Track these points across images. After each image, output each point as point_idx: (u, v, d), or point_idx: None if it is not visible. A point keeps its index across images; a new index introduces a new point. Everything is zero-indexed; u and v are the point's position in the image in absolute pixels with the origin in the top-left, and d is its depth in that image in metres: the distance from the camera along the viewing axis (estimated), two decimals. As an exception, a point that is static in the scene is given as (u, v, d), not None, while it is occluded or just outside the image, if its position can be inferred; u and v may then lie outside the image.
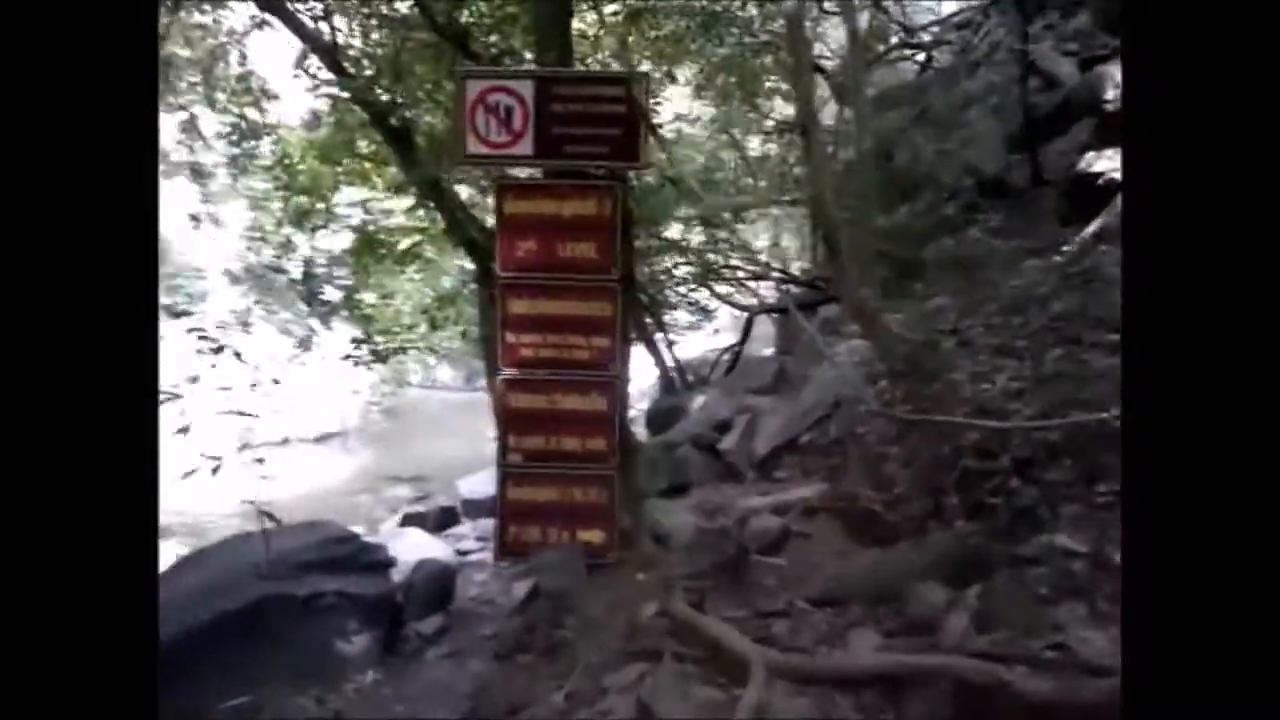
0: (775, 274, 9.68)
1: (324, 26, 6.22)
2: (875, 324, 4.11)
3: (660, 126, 6.11)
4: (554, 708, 2.74)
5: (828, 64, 9.97)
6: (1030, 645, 2.19)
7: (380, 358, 6.84)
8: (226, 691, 3.60)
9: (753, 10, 8.06)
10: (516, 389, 4.47)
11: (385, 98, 5.73)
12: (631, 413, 5.89)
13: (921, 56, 10.78)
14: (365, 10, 6.57)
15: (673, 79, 9.46)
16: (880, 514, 3.58)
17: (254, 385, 3.78)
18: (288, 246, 17.01)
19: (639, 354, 8.88)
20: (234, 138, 8.34)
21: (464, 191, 7.11)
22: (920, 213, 6.89)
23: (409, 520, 8.17)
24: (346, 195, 9.02)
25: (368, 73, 6.08)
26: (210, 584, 4.01)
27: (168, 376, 3.93)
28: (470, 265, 6.53)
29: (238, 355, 3.62)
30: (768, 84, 9.73)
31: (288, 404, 13.72)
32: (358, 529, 8.10)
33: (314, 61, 6.45)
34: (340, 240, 10.03)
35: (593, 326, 4.39)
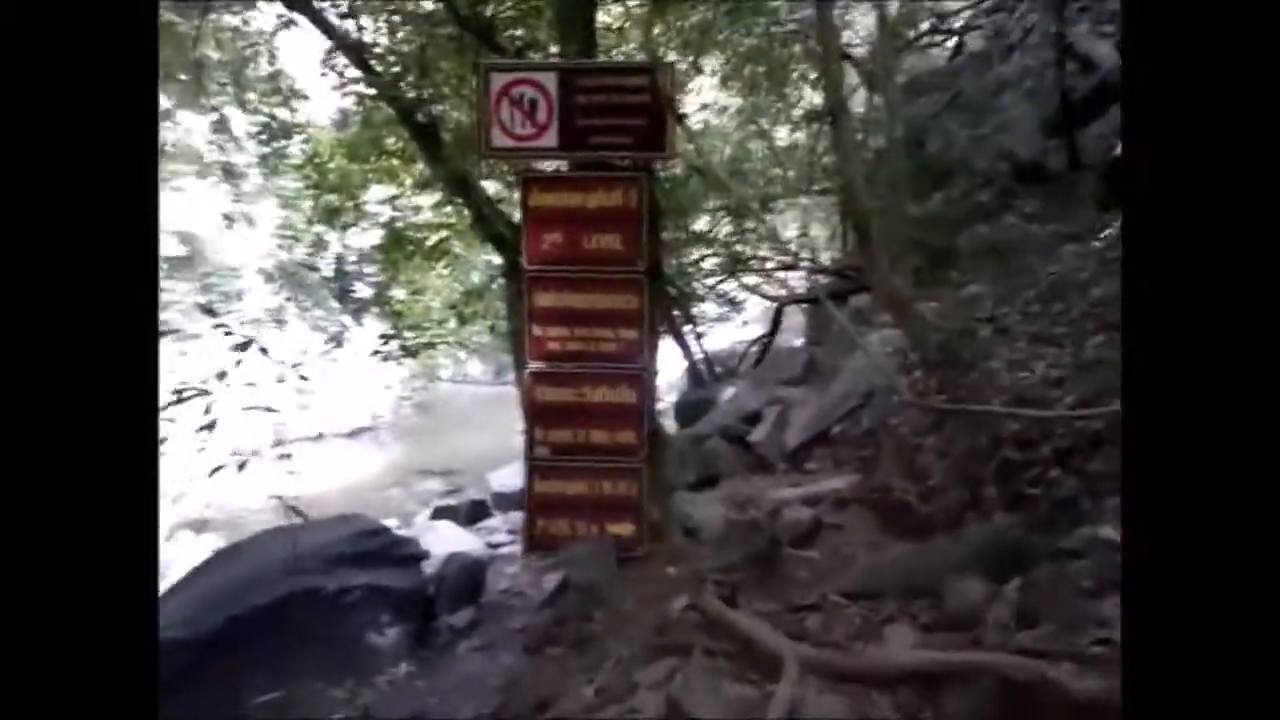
0: (804, 264, 9.56)
1: (350, 25, 6.25)
2: (908, 313, 4.03)
3: (686, 117, 6.04)
4: (583, 702, 2.71)
5: (856, 51, 9.81)
6: (1074, 641, 2.11)
7: (410, 353, 6.87)
8: (259, 685, 3.64)
9: (780, -2, 7.95)
10: (544, 382, 4.44)
11: (411, 94, 5.73)
12: (660, 405, 5.85)
13: (953, 41, 10.56)
14: (390, 7, 6.58)
15: (699, 70, 9.37)
16: (914, 505, 3.51)
17: (280, 380, 3.79)
18: (319, 244, 17.24)
19: (667, 346, 8.85)
20: (264, 137, 8.42)
21: (491, 186, 7.11)
22: (954, 200, 6.76)
23: (440, 513, 8.24)
24: (376, 193, 9.08)
25: (394, 70, 6.08)
26: (243, 578, 4.04)
27: (203, 374, 3.99)
28: (498, 260, 6.53)
29: (264, 351, 3.64)
30: (795, 73, 9.60)
31: (321, 399, 13.91)
32: (390, 522, 8.19)
33: (342, 60, 6.48)
34: (370, 237, 10.11)
35: (620, 319, 4.35)
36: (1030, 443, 3.09)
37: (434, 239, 8.77)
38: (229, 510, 10.23)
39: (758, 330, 11.40)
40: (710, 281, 10.82)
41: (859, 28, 10.23)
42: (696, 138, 6.53)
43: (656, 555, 4.13)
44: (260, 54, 8.36)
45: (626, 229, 4.30)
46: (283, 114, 8.67)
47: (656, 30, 8.06)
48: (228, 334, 3.63)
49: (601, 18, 7.17)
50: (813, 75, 9.32)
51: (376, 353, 6.06)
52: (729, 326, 12.40)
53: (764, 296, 11.40)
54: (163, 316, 15.10)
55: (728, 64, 9.53)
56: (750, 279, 11.06)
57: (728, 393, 7.69)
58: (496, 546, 6.04)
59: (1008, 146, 6.75)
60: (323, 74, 6.60)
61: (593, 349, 4.37)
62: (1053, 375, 3.54)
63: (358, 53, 6.01)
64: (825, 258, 11.55)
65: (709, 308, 11.45)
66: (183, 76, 8.58)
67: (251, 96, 8.56)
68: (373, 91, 6.24)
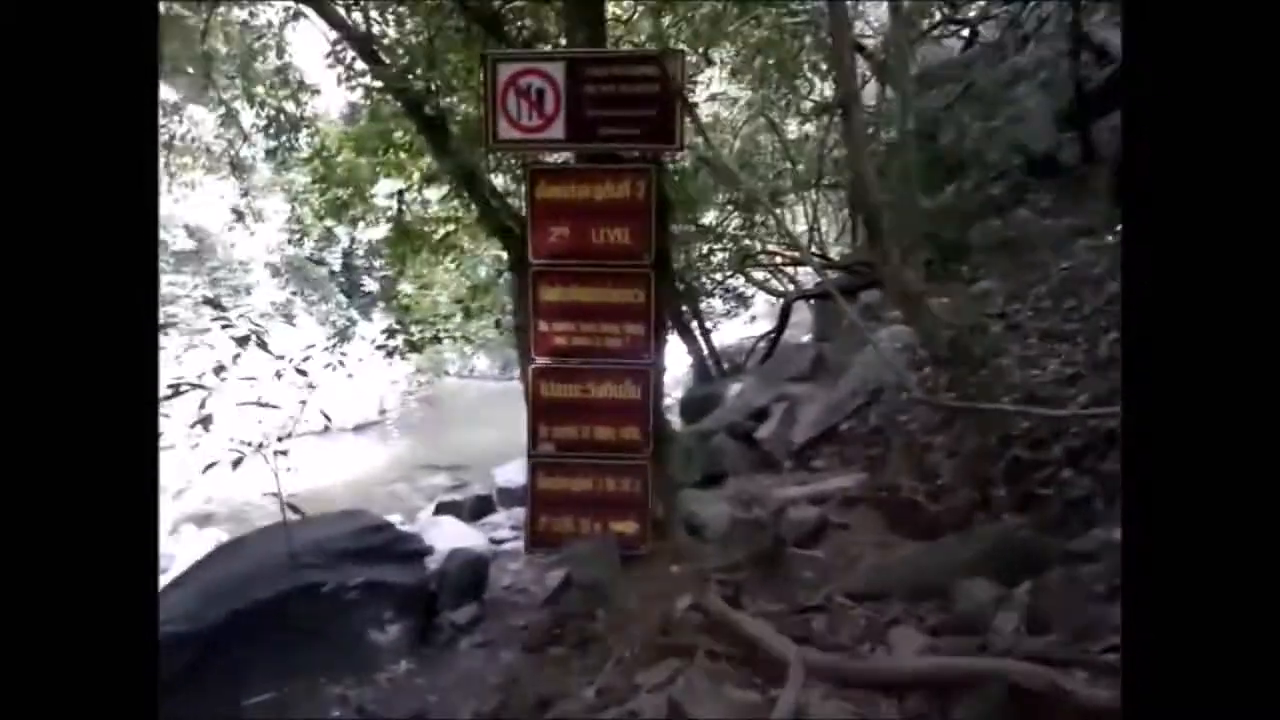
0: (813, 259, 9.49)
1: (358, 16, 6.21)
2: (919, 308, 3.96)
3: (696, 107, 5.99)
4: (584, 703, 2.67)
5: (868, 42, 9.72)
6: (1086, 648, 2.05)
7: (415, 347, 6.84)
8: (260, 681, 3.62)
9: (791, -12, 7.86)
10: (549, 378, 4.40)
11: (419, 86, 5.69)
12: (666, 401, 5.81)
13: (966, 32, 10.44)
14: (397, -3, 6.53)
15: (709, 61, 9.30)
16: (923, 505, 3.45)
17: (279, 375, 3.75)
18: (328, 239, 17.26)
19: (673, 341, 8.80)
20: (272, 131, 8.41)
21: (499, 180, 7.06)
22: (966, 193, 6.67)
23: (444, 509, 8.23)
24: (384, 187, 9.05)
25: (402, 62, 6.04)
26: (245, 573, 4.02)
27: (211, 368, 3.96)
28: (505, 254, 6.49)
29: (263, 345, 3.60)
30: (805, 65, 9.52)
31: (328, 393, 13.93)
32: (394, 517, 8.19)
33: (349, 53, 6.45)
34: (379, 232, 10.10)
35: (626, 314, 4.29)
36: (1042, 442, 3.02)
37: (441, 233, 8.74)
38: (233, 504, 10.27)
39: (765, 326, 11.33)
40: (718, 276, 10.77)
41: (871, 18, 10.14)
42: (706, 129, 6.46)
43: (660, 553, 4.08)
44: (269, 47, 8.33)
45: (634, 222, 4.25)
46: (291, 107, 8.64)
47: (666, 21, 7.99)
48: (225, 327, 3.59)
49: (611, 9, 7.12)
50: (823, 67, 9.24)
51: (381, 348, 6.03)
52: (737, 322, 12.34)
53: (772, 292, 11.34)
54: (171, 310, 15.18)
55: (738, 56, 9.47)
56: (759, 274, 11.00)
57: (734, 389, 7.63)
58: (500, 542, 6.02)
59: (1021, 139, 6.65)
60: (330, 66, 6.56)
61: (599, 344, 4.32)
62: (1065, 373, 3.47)
63: (365, 45, 5.97)
64: (834, 252, 11.48)
65: (717, 303, 11.39)
66: (191, 70, 8.57)
67: (260, 90, 8.53)
68: (380, 84, 6.21)
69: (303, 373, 3.87)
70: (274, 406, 3.45)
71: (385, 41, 6.35)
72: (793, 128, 10.96)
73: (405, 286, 10.30)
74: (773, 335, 9.98)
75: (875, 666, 2.15)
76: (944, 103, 7.78)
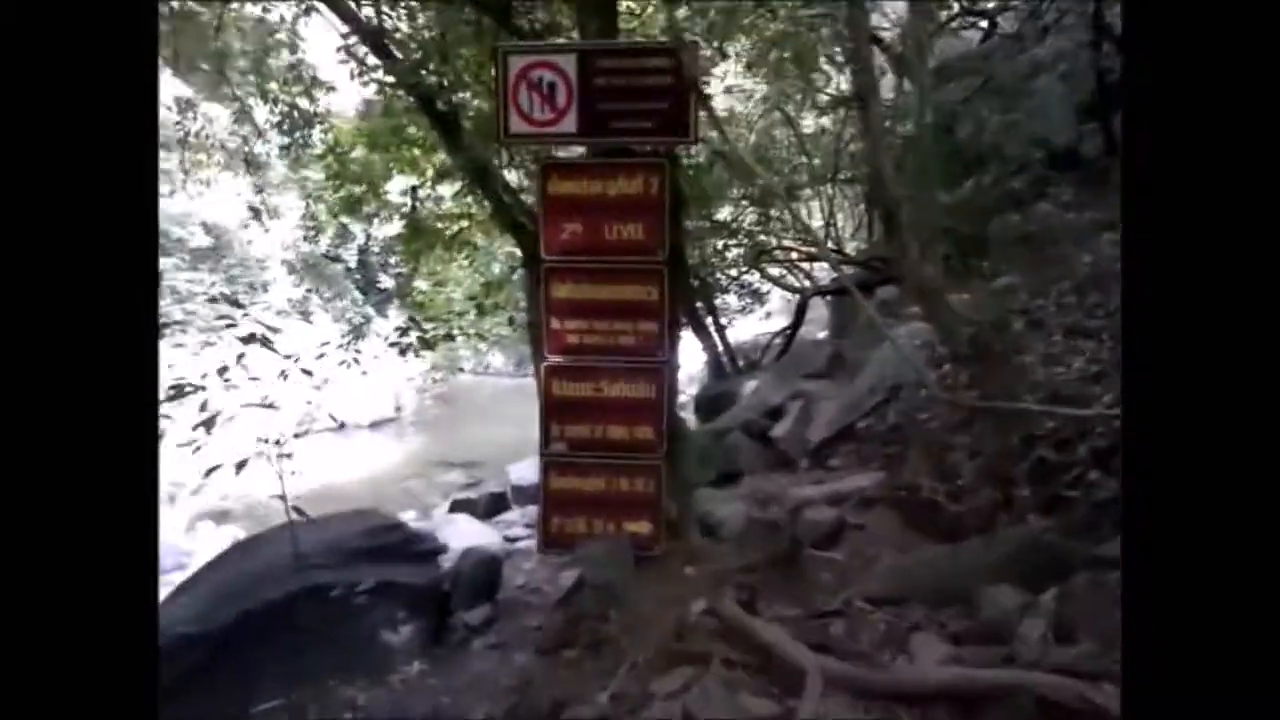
0: (830, 254, 9.39)
1: (369, 11, 6.17)
2: (938, 304, 3.88)
3: (711, 99, 5.90)
4: (598, 708, 2.62)
5: (885, 35, 9.60)
6: (1116, 659, 1.97)
7: (428, 345, 6.82)
8: (271, 682, 3.59)
9: (807, -20, 7.76)
10: (561, 376, 4.34)
11: (431, 81, 5.65)
12: (680, 398, 5.75)
13: (985, 24, 10.28)
14: (410, -10, 6.49)
15: (724, 55, 9.21)
16: (943, 506, 3.36)
17: (283, 375, 3.72)
18: (343, 236, 17.32)
19: (688, 338, 8.73)
20: (285, 127, 8.41)
21: (514, 177, 7.02)
22: (985, 187, 6.56)
23: (458, 506, 8.23)
24: (399, 183, 9.04)
25: (414, 56, 6.00)
26: (257, 574, 4.00)
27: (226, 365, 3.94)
28: (518, 250, 6.44)
29: (267, 343, 3.57)
30: (822, 58, 9.41)
31: (344, 390, 14.00)
32: (409, 514, 8.20)
33: (362, 48, 6.42)
34: (393, 228, 10.09)
35: (639, 311, 4.22)
36: (1067, 442, 2.93)
37: (454, 229, 8.71)
38: (250, 501, 10.31)
39: (781, 322, 11.25)
40: (733, 272, 10.69)
41: (888, 10, 10.01)
42: (721, 123, 6.38)
43: (674, 554, 4.02)
44: (282, 44, 8.32)
45: (648, 218, 4.18)
46: (304, 104, 8.63)
47: (680, 14, 7.91)
48: (230, 326, 3.57)
49: (625, 2, 7.05)
50: (840, 60, 9.13)
51: (394, 345, 6.01)
52: (752, 318, 12.24)
53: (788, 288, 11.24)
54: (190, 307, 15.29)
55: (753, 49, 9.36)
56: (774, 269, 10.91)
57: (750, 386, 7.56)
58: (514, 540, 5.99)
59: (1041, 132, 6.53)
60: (342, 62, 6.54)
61: (612, 342, 4.26)
62: (1090, 371, 3.38)
63: (377, 40, 5.94)
64: (851, 248, 11.36)
65: (731, 299, 11.30)
66: (205, 66, 8.58)
67: (273, 86, 8.53)
68: (392, 79, 6.17)
69: (308, 373, 3.83)
70: (274, 407, 3.42)
71: (397, 36, 6.31)
72: (809, 122, 10.85)
73: (420, 283, 10.29)
74: (788, 332, 9.90)
75: (896, 677, 2.08)
76: (962, 96, 7.67)
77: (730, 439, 5.85)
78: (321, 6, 6.40)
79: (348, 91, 8.41)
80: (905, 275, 4.24)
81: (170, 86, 10.60)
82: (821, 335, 10.55)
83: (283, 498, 3.54)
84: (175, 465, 3.82)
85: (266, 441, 3.87)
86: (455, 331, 7.96)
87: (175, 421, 3.57)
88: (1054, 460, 2.92)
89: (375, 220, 10.26)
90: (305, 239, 17.86)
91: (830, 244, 10.47)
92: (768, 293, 11.85)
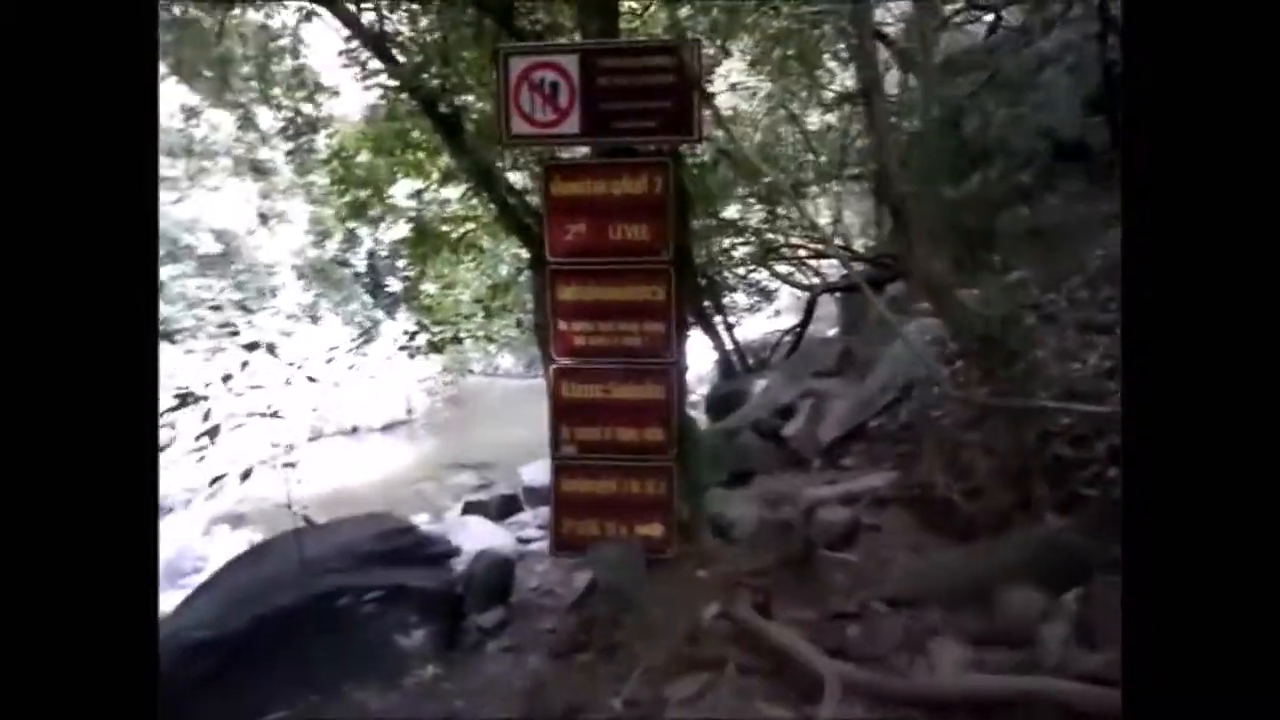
0: (840, 251, 9.35)
1: (371, 15, 6.16)
2: (948, 300, 3.84)
3: (715, 97, 5.87)
4: (611, 713, 2.60)
5: (890, 30, 9.54)
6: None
7: (436, 348, 6.81)
8: (284, 687, 3.59)
9: (811, -24, 7.72)
10: (569, 378, 4.32)
11: (434, 84, 5.64)
12: (690, 397, 5.72)
13: (990, 17, 10.20)
14: (411, -7, 6.47)
15: (727, 53, 9.17)
16: (958, 505, 3.32)
17: (288, 382, 3.71)
18: (351, 240, 17.35)
19: (697, 338, 8.70)
20: (290, 133, 8.42)
21: (518, 179, 7.01)
22: (992, 181, 6.50)
23: (471, 508, 8.21)
24: (405, 187, 9.04)
25: (416, 59, 5.99)
26: (269, 578, 4.00)
27: (233, 370, 3.93)
28: (524, 252, 6.43)
29: (271, 350, 3.56)
30: (826, 54, 9.35)
31: (355, 394, 14.04)
32: (422, 516, 8.20)
33: (364, 52, 6.41)
34: (400, 232, 10.10)
35: (647, 312, 4.20)
36: (1083, 439, 2.88)
37: (460, 232, 8.71)
38: (266, 505, 10.33)
39: (790, 320, 11.20)
40: (741, 271, 10.65)
41: (891, 5, 9.95)
42: (725, 121, 6.35)
43: (686, 557, 3.99)
44: (284, 49, 8.33)
45: (653, 217, 4.15)
46: (308, 109, 8.64)
47: (683, 12, 7.88)
48: (233, 334, 3.56)
49: (626, 1, 7.02)
50: (844, 56, 9.07)
51: (403, 348, 6.01)
52: (760, 316, 12.19)
53: (796, 285, 11.19)
54: (198, 313, 15.35)
55: (756, 46, 9.32)
56: (782, 267, 10.86)
57: (760, 385, 7.52)
58: (527, 542, 5.97)
59: (1048, 125, 6.47)
60: (344, 65, 6.54)
61: (619, 343, 4.23)
62: (1105, 366, 3.33)
63: (379, 43, 5.93)
64: (859, 244, 11.31)
65: (740, 297, 11.26)
66: (208, 73, 8.59)
67: (276, 92, 8.54)
68: (395, 83, 6.16)
69: (313, 379, 3.82)
70: (279, 417, 3.41)
71: (399, 39, 6.31)
72: (814, 118, 10.79)
73: (427, 286, 10.29)
74: (798, 329, 9.85)
75: (917, 685, 2.04)
76: (968, 90, 7.61)
77: (741, 439, 5.82)
78: (323, 11, 6.40)
79: (352, 96, 8.42)
80: (914, 271, 4.20)
81: (175, 93, 10.65)
82: (831, 332, 10.49)
83: (289, 506, 3.53)
84: (191, 470, 3.83)
85: (279, 446, 3.87)
86: (463, 334, 7.95)
87: (187, 427, 3.57)
88: (1070, 458, 2.87)
89: (382, 224, 10.26)
90: (313, 244, 17.91)
91: (838, 241, 10.41)
92: (776, 291, 11.80)
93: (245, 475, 3.42)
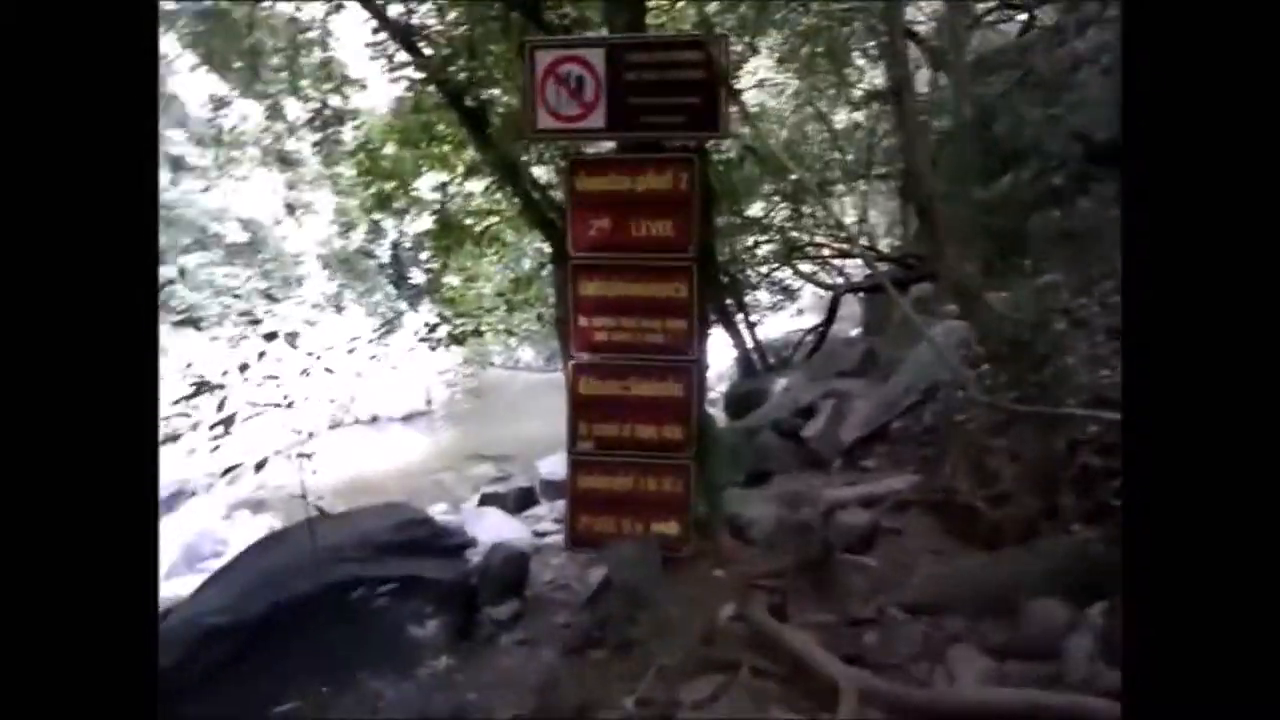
0: (865, 251, 9.25)
1: (399, 8, 6.19)
2: (976, 303, 3.77)
3: (742, 93, 5.82)
4: (624, 713, 2.58)
5: (920, 28, 9.42)
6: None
7: (457, 340, 6.83)
8: (299, 675, 3.60)
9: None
10: (589, 374, 4.30)
11: (461, 77, 5.64)
12: (710, 395, 5.68)
13: (1023, 16, 10.04)
14: (440, -12, 6.49)
15: (754, 49, 9.10)
16: (982, 512, 3.25)
17: (305, 372, 3.72)
18: (376, 231, 17.47)
19: (717, 335, 8.65)
20: (317, 124, 8.47)
21: (543, 173, 7.00)
22: (1024, 183, 6.39)
23: (488, 500, 8.22)
24: (430, 179, 9.07)
25: (444, 53, 6.00)
26: (286, 566, 4.02)
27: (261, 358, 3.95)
28: (547, 247, 6.43)
29: (291, 341, 3.57)
30: (855, 52, 9.26)
31: (377, 384, 14.15)
32: (440, 507, 8.23)
33: (393, 45, 6.44)
34: (424, 225, 10.15)
35: (668, 309, 4.17)
36: (1113, 448, 2.81)
37: (484, 225, 8.72)
38: (286, 492, 10.42)
39: (812, 319, 11.10)
40: (764, 269, 10.57)
41: (922, 4, 9.83)
42: (753, 117, 6.30)
43: (703, 556, 3.96)
44: (313, 42, 8.38)
45: (677, 214, 4.12)
46: (335, 101, 8.69)
47: (711, 8, 7.83)
48: (254, 323, 3.58)
49: (653, -3, 6.98)
50: (873, 54, 8.97)
51: (424, 340, 6.03)
52: (783, 315, 12.10)
53: (820, 285, 11.10)
54: (225, 301, 15.54)
55: (784, 43, 9.24)
56: (806, 266, 10.77)
57: (780, 384, 7.45)
58: (543, 535, 5.97)
59: (1082, 126, 6.34)
60: (372, 58, 6.57)
61: (640, 340, 4.21)
62: (1137, 373, 3.24)
63: (407, 36, 5.95)
64: (884, 244, 11.19)
65: (762, 295, 11.18)
66: (238, 64, 8.67)
67: (305, 83, 8.59)
68: (422, 75, 6.18)
69: (330, 370, 3.83)
70: (292, 406, 3.42)
71: (426, 33, 6.32)
72: (841, 117, 10.69)
73: (450, 279, 10.33)
74: (820, 329, 9.76)
75: (934, 696, 1.99)
76: (1000, 89, 7.48)
77: (760, 438, 5.76)
78: (351, 4, 6.43)
79: (379, 89, 8.46)
80: (942, 272, 4.13)
81: (205, 83, 10.75)
82: (854, 333, 10.39)
83: (303, 496, 3.55)
84: (211, 457, 3.86)
85: (300, 434, 3.89)
86: (484, 327, 7.96)
87: (210, 412, 3.59)
88: (1099, 467, 2.80)
89: (406, 216, 10.31)
90: (338, 235, 18.05)
91: (863, 240, 10.31)
92: (799, 289, 11.71)
93: (260, 465, 3.43)
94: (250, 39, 8.03)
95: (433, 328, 6.06)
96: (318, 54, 8.25)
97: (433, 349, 6.22)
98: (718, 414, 7.23)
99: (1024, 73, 7.62)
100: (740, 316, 9.84)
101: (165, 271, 14.78)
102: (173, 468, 8.75)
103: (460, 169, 8.38)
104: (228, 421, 3.16)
